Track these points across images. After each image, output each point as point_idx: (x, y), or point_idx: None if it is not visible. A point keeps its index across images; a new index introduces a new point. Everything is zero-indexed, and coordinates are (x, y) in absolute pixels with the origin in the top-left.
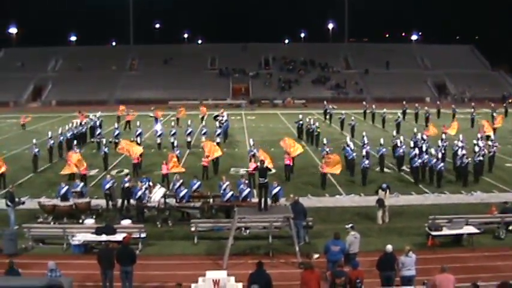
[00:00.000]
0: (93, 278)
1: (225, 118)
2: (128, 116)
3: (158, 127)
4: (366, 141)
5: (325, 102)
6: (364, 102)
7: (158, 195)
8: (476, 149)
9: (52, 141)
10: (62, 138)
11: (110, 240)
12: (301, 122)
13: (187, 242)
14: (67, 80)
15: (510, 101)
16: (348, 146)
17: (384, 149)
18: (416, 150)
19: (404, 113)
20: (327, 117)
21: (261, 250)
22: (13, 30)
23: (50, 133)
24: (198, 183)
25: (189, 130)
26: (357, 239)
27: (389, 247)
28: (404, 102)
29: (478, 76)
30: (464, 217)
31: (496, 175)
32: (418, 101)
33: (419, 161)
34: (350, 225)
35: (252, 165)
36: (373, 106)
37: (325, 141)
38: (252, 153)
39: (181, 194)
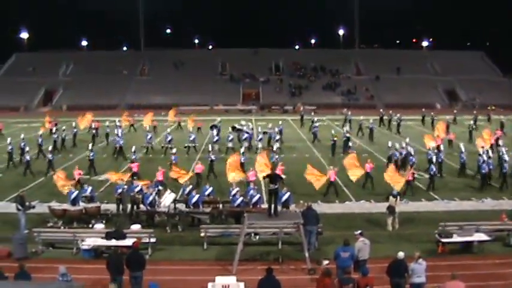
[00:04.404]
0: (103, 282)
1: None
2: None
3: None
4: (463, 150)
5: (344, 110)
6: (381, 110)
7: (168, 201)
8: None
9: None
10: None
11: (120, 245)
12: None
13: (197, 248)
14: (78, 84)
15: (493, 108)
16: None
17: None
18: (484, 157)
19: (423, 120)
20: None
21: (271, 256)
22: (24, 35)
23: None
24: (210, 188)
25: (193, 136)
26: (366, 245)
27: (401, 254)
28: (423, 109)
29: (489, 83)
30: (475, 224)
31: (507, 182)
32: (428, 107)
33: (488, 167)
34: (359, 231)
35: (251, 174)
36: (390, 112)
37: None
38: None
39: (194, 199)
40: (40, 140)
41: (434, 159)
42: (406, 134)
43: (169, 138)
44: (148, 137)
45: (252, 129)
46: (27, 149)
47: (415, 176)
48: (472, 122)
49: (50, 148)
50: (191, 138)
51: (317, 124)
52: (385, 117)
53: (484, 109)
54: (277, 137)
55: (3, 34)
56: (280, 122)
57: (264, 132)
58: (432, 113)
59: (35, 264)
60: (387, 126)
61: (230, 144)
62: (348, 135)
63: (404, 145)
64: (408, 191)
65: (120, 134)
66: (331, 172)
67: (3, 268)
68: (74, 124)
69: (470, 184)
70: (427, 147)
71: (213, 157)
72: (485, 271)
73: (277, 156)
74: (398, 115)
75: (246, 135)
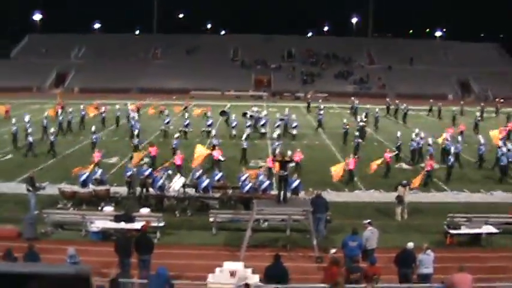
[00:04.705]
0: (111, 265)
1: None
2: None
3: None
4: (482, 142)
5: (352, 98)
6: (387, 99)
7: (178, 185)
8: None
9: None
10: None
11: (129, 228)
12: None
13: (205, 233)
14: (90, 67)
15: (502, 100)
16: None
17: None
18: (504, 149)
19: (430, 110)
20: (353, 112)
21: (279, 243)
22: (37, 16)
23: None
24: (220, 174)
25: (210, 121)
26: (373, 234)
27: (410, 244)
28: (431, 100)
29: (503, 75)
30: (484, 216)
31: None
32: (441, 98)
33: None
34: (368, 220)
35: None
36: (397, 101)
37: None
38: (275, 145)
39: (204, 184)
40: (45, 121)
41: (452, 150)
42: (414, 124)
43: (186, 122)
44: (166, 121)
45: (267, 115)
46: (29, 130)
47: (434, 166)
48: (478, 113)
49: (52, 130)
50: (208, 123)
51: (322, 112)
52: (391, 107)
53: (493, 101)
54: (278, 123)
55: (16, 15)
56: (286, 110)
57: (251, 116)
58: (440, 104)
59: (44, 245)
60: (393, 115)
61: (234, 132)
62: (361, 124)
63: (422, 135)
64: (428, 181)
65: (136, 118)
66: (350, 161)
67: (12, 248)
68: (82, 107)
69: (489, 176)
70: (444, 138)
71: (244, 144)
72: (493, 264)
73: (277, 143)
74: (405, 105)
75: (263, 120)
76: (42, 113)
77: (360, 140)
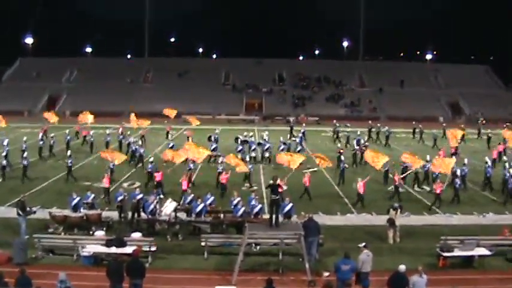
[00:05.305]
0: None
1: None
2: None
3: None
4: (489, 163)
5: (334, 121)
6: (369, 121)
7: (169, 209)
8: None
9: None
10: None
11: (120, 252)
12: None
13: (197, 257)
14: (81, 91)
15: (484, 122)
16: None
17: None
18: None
19: (414, 132)
20: (334, 136)
21: (271, 267)
22: (29, 40)
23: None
24: (212, 198)
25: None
26: (369, 257)
27: (402, 267)
28: (413, 122)
29: (493, 97)
30: (476, 238)
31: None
32: (432, 121)
33: None
34: (363, 244)
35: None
36: (378, 124)
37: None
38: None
39: (198, 209)
40: (24, 146)
41: (458, 172)
42: (398, 146)
43: (171, 145)
44: (170, 145)
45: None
46: (4, 153)
47: (442, 188)
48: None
49: (25, 155)
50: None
51: (300, 135)
52: (373, 130)
53: (483, 123)
54: (253, 146)
55: (8, 38)
56: (266, 133)
57: (245, 141)
58: (420, 126)
59: (34, 270)
60: (375, 138)
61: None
62: (355, 148)
63: (428, 158)
64: (436, 203)
65: (140, 143)
66: (360, 184)
67: (3, 273)
68: (67, 131)
69: (493, 198)
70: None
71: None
72: (486, 286)
73: (250, 166)
74: (386, 127)
75: (254, 145)
76: (34, 137)
77: (346, 166)
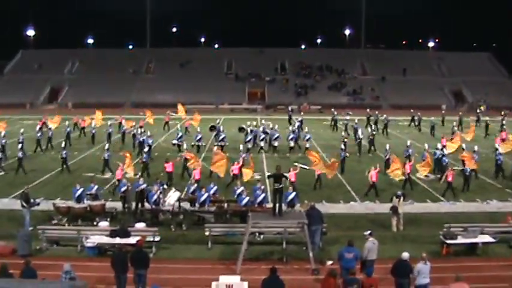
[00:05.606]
0: (107, 280)
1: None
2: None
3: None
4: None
5: (332, 110)
6: (367, 110)
7: (173, 199)
8: None
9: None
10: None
11: (124, 243)
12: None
13: (201, 246)
14: (83, 82)
15: (482, 109)
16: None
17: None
18: None
19: (412, 121)
20: (332, 123)
21: (275, 256)
22: (31, 32)
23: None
24: (215, 187)
25: (199, 136)
26: (375, 245)
27: (405, 254)
28: (411, 110)
29: (495, 84)
30: (480, 226)
31: None
32: (434, 109)
33: None
34: (369, 232)
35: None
36: (376, 112)
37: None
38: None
39: (202, 198)
40: (21, 138)
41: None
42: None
43: (179, 135)
44: (179, 135)
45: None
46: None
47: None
48: (455, 122)
49: (20, 147)
50: (198, 138)
51: (298, 123)
52: (371, 118)
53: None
54: (262, 136)
55: (9, 31)
56: (270, 123)
57: (250, 131)
58: (419, 113)
59: (39, 262)
60: (373, 126)
61: (249, 145)
62: (367, 137)
63: (439, 146)
64: (449, 191)
65: (148, 133)
66: (372, 173)
67: (8, 265)
68: (67, 123)
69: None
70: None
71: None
72: (490, 273)
73: (244, 155)
74: (385, 115)
75: (262, 135)
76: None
77: (347, 155)
